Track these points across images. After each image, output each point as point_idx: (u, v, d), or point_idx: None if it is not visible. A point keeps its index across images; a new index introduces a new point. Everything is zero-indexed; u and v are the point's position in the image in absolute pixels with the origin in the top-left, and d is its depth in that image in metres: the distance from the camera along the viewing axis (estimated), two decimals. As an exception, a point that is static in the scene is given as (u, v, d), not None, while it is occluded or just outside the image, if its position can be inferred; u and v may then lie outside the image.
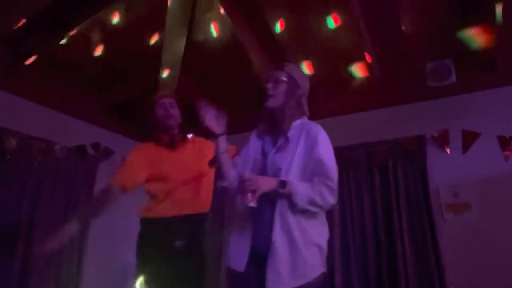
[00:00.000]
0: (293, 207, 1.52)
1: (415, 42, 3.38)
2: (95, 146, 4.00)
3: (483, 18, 2.98)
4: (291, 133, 1.67)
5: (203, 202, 2.17)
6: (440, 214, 3.33)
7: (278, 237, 1.50)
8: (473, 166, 3.33)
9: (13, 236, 3.14)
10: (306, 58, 3.63)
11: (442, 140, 3.49)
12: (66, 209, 3.60)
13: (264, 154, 1.69)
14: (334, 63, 3.66)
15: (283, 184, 1.50)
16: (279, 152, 1.64)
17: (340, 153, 3.73)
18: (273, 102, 1.67)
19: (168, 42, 3.31)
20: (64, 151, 3.66)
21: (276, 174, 1.59)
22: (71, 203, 3.65)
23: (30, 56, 3.29)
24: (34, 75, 3.48)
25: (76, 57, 3.49)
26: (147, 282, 2.01)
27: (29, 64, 3.36)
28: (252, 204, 1.47)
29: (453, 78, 3.40)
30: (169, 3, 3.01)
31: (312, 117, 4.04)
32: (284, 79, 1.68)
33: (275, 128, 1.70)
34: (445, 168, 3.43)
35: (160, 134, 2.18)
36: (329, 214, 3.65)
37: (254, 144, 1.77)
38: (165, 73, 3.51)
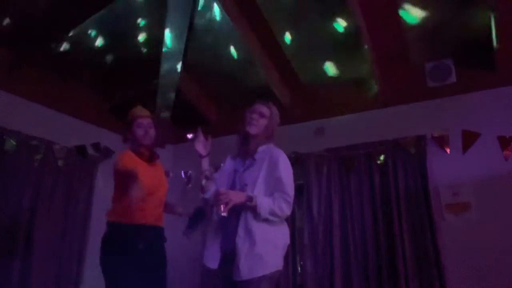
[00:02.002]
0: (257, 216, 1.86)
1: (415, 42, 3.38)
2: (95, 146, 4.00)
3: (482, 18, 2.98)
4: (257, 156, 2.02)
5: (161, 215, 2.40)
6: (440, 214, 3.33)
7: (240, 239, 1.85)
8: (473, 166, 3.33)
9: (13, 236, 3.15)
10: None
11: (442, 140, 3.49)
12: (66, 209, 3.60)
13: (235, 172, 2.06)
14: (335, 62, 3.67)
15: (250, 198, 1.85)
16: (247, 170, 2.01)
17: (340, 153, 3.80)
18: (253, 130, 2.03)
19: (167, 42, 3.31)
20: (64, 151, 3.66)
21: (242, 188, 1.95)
22: (71, 203, 3.65)
23: (30, 56, 3.30)
24: (34, 75, 3.47)
25: (76, 57, 3.49)
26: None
27: (29, 64, 3.36)
28: (224, 214, 1.81)
29: (453, 78, 3.40)
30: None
31: (312, 118, 4.02)
32: (267, 115, 2.07)
33: (245, 151, 2.06)
34: (445, 168, 3.43)
35: (141, 148, 2.34)
36: (329, 214, 3.70)
37: (229, 164, 2.16)
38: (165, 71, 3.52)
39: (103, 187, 3.93)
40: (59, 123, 3.74)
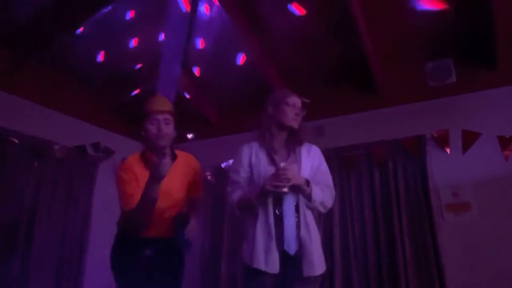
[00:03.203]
0: (309, 204, 1.83)
1: (415, 42, 3.38)
2: (95, 146, 4.00)
3: (482, 18, 2.98)
4: (300, 150, 1.97)
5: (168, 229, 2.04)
6: (440, 214, 3.33)
7: (305, 236, 1.80)
8: (473, 166, 3.33)
9: (13, 235, 3.15)
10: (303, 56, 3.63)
11: (442, 140, 3.49)
12: (66, 209, 3.60)
13: (275, 165, 1.88)
14: (334, 62, 3.67)
15: (308, 182, 1.81)
16: (292, 164, 1.88)
17: (340, 153, 3.80)
18: (297, 125, 1.96)
19: (168, 40, 3.31)
20: (64, 151, 3.66)
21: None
22: (71, 203, 3.65)
23: (30, 57, 3.30)
24: (34, 75, 3.48)
25: (76, 57, 3.49)
26: None
27: (29, 64, 3.36)
28: (286, 190, 1.72)
29: (453, 78, 3.40)
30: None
31: (313, 118, 4.00)
32: (301, 108, 2.00)
33: (287, 144, 1.98)
34: (445, 168, 3.43)
35: (150, 153, 2.00)
36: (329, 214, 3.69)
37: (257, 154, 1.95)
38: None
39: (103, 187, 3.94)
40: (59, 123, 3.74)
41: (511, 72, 3.34)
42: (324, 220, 3.72)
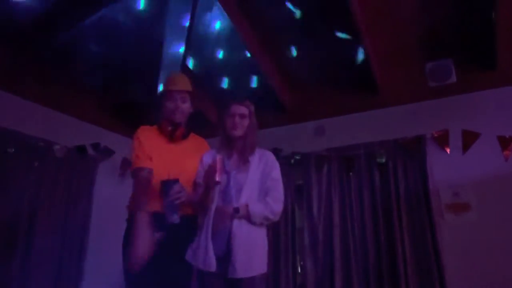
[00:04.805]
0: (251, 223, 1.91)
1: (415, 42, 3.38)
2: (95, 146, 4.00)
3: (482, 18, 2.98)
4: (252, 158, 2.03)
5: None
6: (440, 214, 3.34)
7: (236, 240, 1.85)
8: (473, 166, 3.33)
9: (13, 236, 3.15)
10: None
11: (442, 140, 3.49)
12: (66, 209, 3.60)
13: (226, 173, 1.99)
14: (334, 63, 3.67)
15: (237, 210, 1.88)
16: (241, 172, 1.99)
17: (340, 153, 3.80)
18: (239, 133, 2.03)
19: (168, 39, 3.31)
20: (64, 151, 3.66)
21: (239, 189, 1.95)
22: (71, 203, 3.65)
23: (30, 57, 3.30)
24: (34, 75, 3.47)
25: (77, 57, 3.49)
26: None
27: (29, 64, 3.36)
28: (218, 179, 1.81)
29: (453, 78, 3.40)
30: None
31: (313, 117, 4.02)
32: (247, 114, 2.07)
33: (238, 153, 2.05)
34: (445, 168, 3.43)
35: (165, 123, 2.08)
36: (329, 214, 3.70)
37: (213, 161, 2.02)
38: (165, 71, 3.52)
39: (103, 187, 3.94)
40: (59, 123, 3.74)
41: (511, 72, 3.34)
42: (324, 220, 3.73)
